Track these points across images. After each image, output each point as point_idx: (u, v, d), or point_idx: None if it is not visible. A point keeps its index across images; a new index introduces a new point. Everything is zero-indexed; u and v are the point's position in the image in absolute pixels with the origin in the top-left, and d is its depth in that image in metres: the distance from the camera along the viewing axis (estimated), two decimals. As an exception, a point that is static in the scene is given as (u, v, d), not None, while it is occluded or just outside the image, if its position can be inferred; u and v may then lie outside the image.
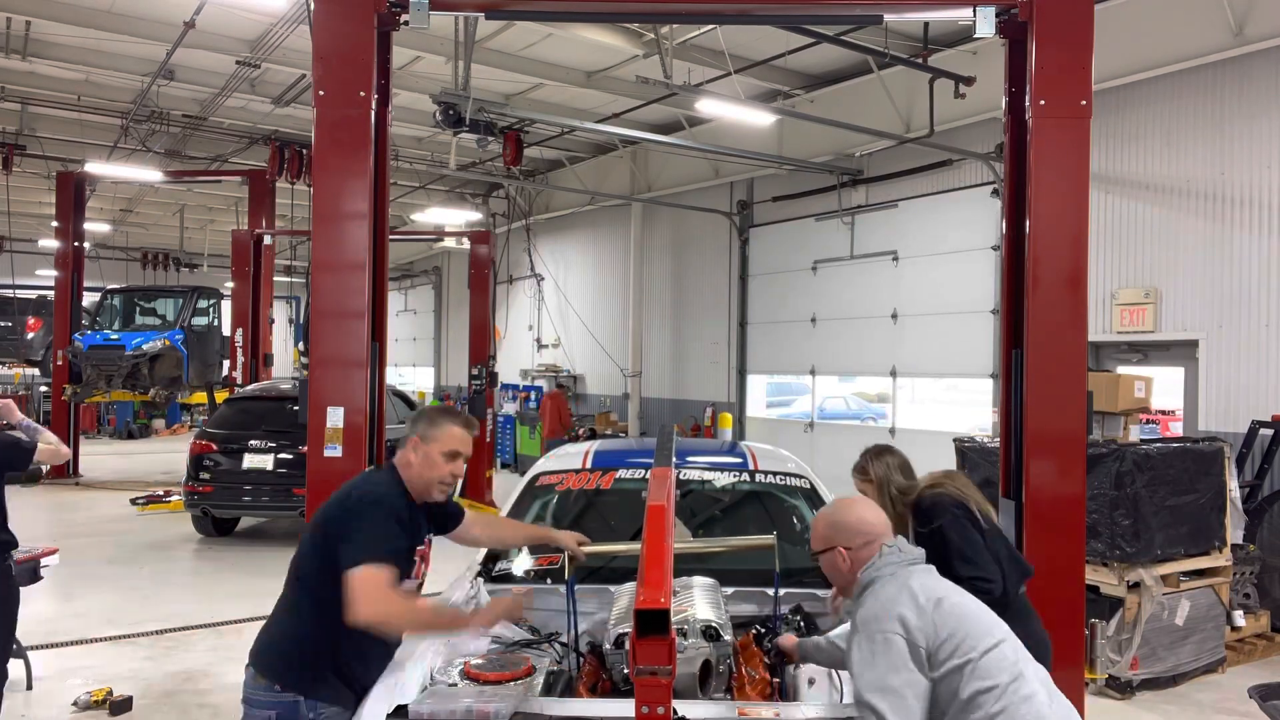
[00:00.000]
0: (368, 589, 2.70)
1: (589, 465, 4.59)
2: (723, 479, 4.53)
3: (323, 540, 2.88)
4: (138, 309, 18.61)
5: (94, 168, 15.04)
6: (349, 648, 2.86)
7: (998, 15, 4.16)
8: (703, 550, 3.83)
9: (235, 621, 7.45)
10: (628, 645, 2.40)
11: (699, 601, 3.24)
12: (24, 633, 6.28)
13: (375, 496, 2.90)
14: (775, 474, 4.53)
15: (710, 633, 3.02)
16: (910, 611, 2.28)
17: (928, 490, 3.65)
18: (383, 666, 2.90)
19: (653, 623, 2.13)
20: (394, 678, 2.81)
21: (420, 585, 3.19)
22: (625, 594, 3.35)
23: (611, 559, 3.78)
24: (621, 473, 4.46)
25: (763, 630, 3.34)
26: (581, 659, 3.21)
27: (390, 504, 2.90)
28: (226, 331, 17.42)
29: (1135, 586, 6.22)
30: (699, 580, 3.49)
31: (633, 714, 2.22)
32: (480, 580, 3.81)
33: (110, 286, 19.52)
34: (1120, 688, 6.12)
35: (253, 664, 2.94)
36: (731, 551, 3.82)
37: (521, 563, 4.14)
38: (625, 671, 2.99)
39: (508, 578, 3.96)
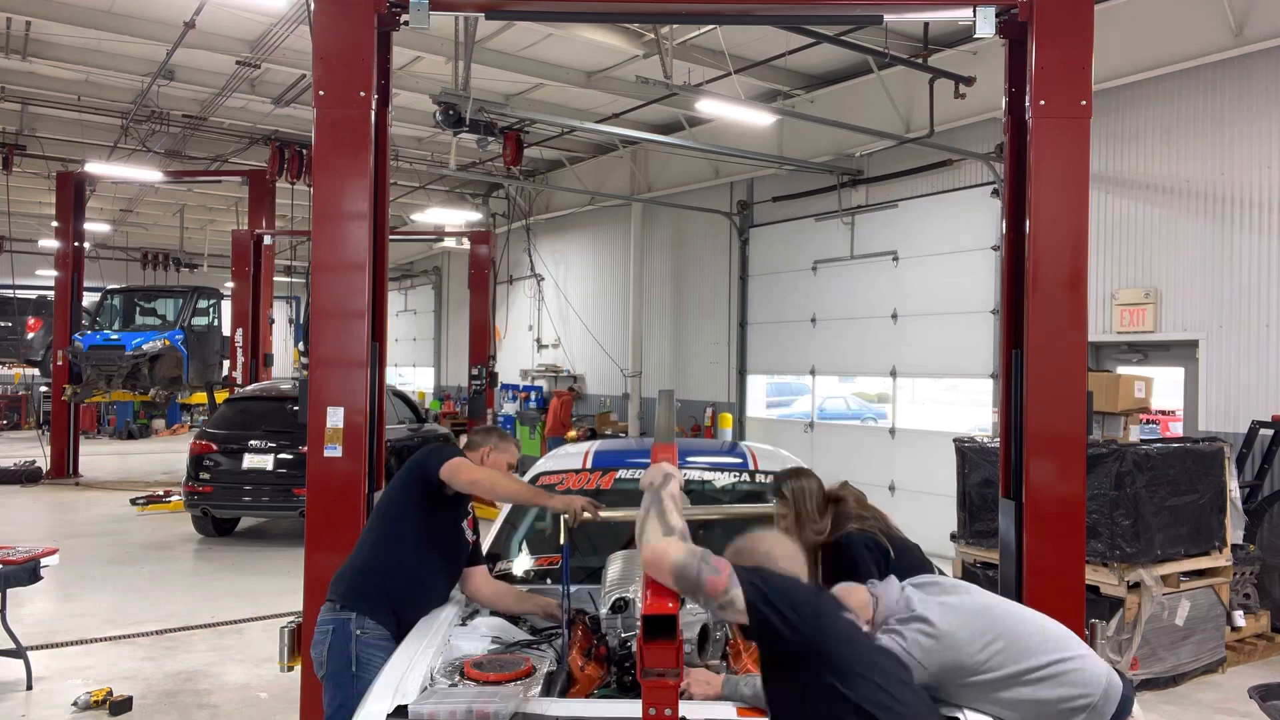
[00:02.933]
0: (462, 465, 3.49)
1: (589, 465, 4.60)
2: (723, 479, 4.54)
3: (408, 478, 3.55)
4: (138, 309, 18.63)
5: (94, 168, 15.04)
6: (402, 582, 3.42)
7: (998, 15, 4.16)
8: (704, 518, 3.85)
9: (235, 621, 7.46)
10: (636, 647, 2.38)
11: None
12: (24, 633, 6.30)
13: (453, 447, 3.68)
14: (776, 474, 4.53)
15: None
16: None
17: (846, 533, 3.34)
18: (428, 606, 3.43)
19: (660, 627, 2.12)
20: (394, 677, 2.81)
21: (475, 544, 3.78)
22: (619, 559, 3.37)
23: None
24: (621, 473, 4.47)
25: None
26: (573, 624, 3.21)
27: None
28: (226, 331, 17.43)
29: (1135, 586, 6.22)
30: None
31: (631, 714, 2.22)
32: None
33: (110, 286, 19.53)
34: (1120, 688, 6.11)
35: (330, 589, 3.49)
36: (733, 519, 3.82)
37: (521, 563, 4.15)
38: (622, 637, 3.01)
39: (507, 577, 3.97)
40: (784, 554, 2.46)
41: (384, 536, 3.53)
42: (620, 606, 3.04)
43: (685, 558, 2.21)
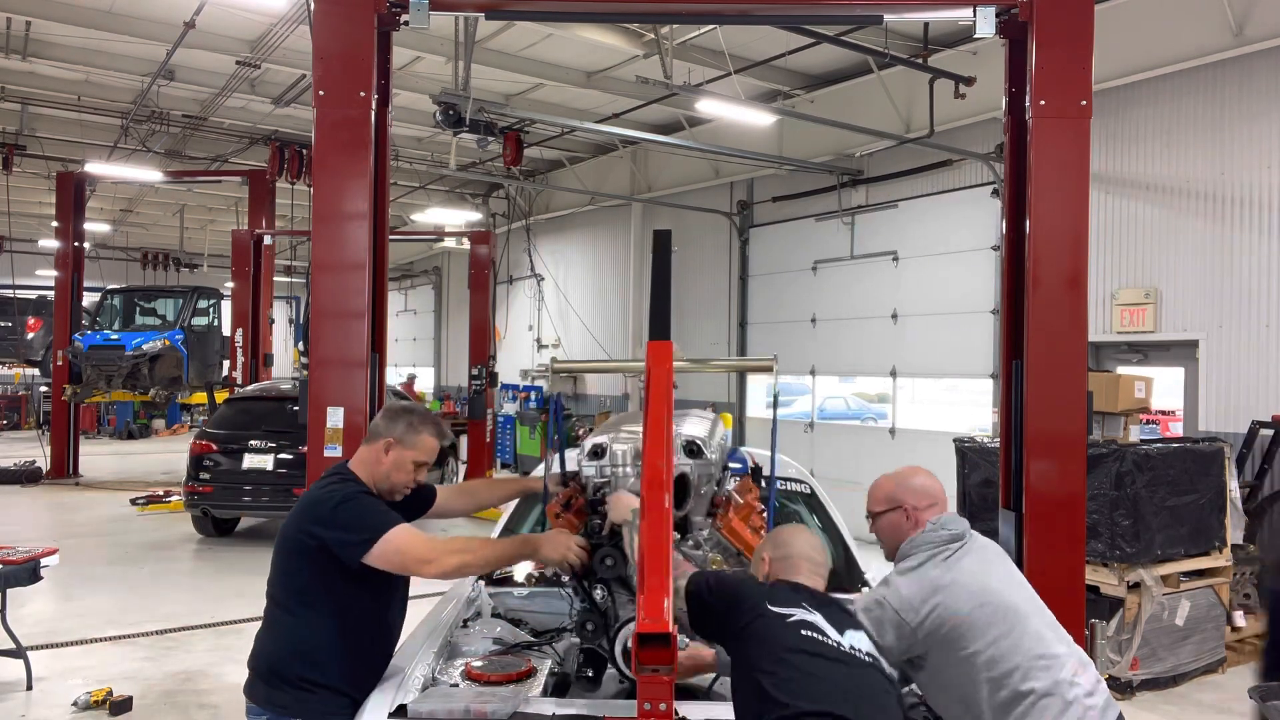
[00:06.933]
0: (417, 548, 2.72)
1: None
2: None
3: (303, 549, 2.84)
4: (138, 309, 18.65)
5: (94, 168, 15.04)
6: (338, 656, 2.79)
7: (998, 15, 4.15)
8: (700, 369, 3.83)
9: (235, 621, 7.46)
10: (630, 651, 2.36)
11: (687, 422, 3.19)
12: (24, 633, 6.29)
13: (347, 494, 2.86)
14: (775, 479, 4.53)
15: (691, 448, 2.90)
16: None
17: None
18: (381, 668, 2.88)
19: (654, 641, 2.12)
20: (395, 677, 2.82)
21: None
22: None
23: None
24: None
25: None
26: (549, 492, 3.24)
27: (365, 493, 2.90)
28: (226, 331, 17.43)
29: (1135, 587, 6.22)
30: (697, 411, 3.48)
31: (629, 715, 2.22)
32: (481, 583, 3.81)
33: (110, 286, 19.55)
34: (1120, 688, 6.12)
35: (247, 693, 2.84)
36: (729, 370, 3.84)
37: (523, 567, 4.14)
38: (595, 482, 3.01)
39: (508, 580, 3.96)
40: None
41: (293, 618, 2.84)
42: (598, 452, 3.00)
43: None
